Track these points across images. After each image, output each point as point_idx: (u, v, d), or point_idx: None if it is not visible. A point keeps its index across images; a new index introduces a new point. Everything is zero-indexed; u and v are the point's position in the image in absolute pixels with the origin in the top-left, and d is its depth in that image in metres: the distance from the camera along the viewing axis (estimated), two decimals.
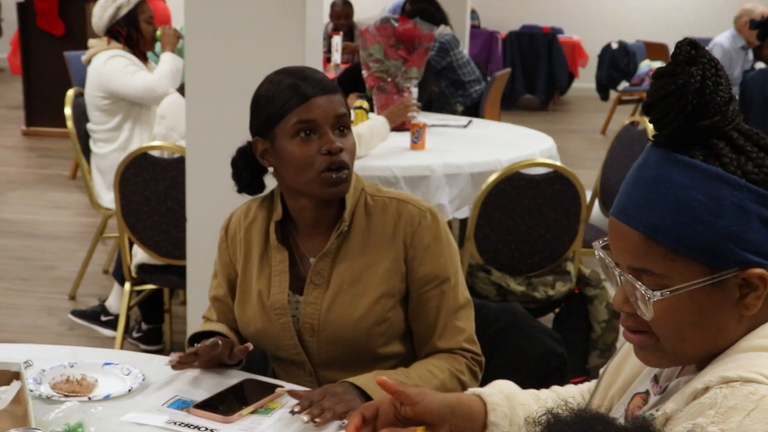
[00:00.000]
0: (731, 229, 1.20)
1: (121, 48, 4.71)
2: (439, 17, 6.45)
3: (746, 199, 1.20)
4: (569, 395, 1.67)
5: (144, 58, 4.82)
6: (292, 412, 1.80)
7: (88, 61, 4.77)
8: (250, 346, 2.03)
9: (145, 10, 4.75)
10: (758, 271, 1.21)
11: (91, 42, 4.82)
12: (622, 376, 1.49)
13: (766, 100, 4.83)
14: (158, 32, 4.81)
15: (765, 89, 4.84)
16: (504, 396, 1.59)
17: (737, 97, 5.18)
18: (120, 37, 4.71)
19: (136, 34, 4.73)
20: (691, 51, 1.22)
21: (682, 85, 1.20)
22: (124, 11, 4.68)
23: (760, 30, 5.15)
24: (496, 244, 3.62)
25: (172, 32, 4.84)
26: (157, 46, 4.99)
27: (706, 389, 1.20)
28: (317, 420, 1.77)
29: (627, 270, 1.28)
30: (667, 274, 1.23)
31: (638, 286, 1.26)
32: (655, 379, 1.41)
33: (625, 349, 1.52)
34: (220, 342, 2.00)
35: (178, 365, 1.98)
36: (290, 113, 2.01)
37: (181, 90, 3.92)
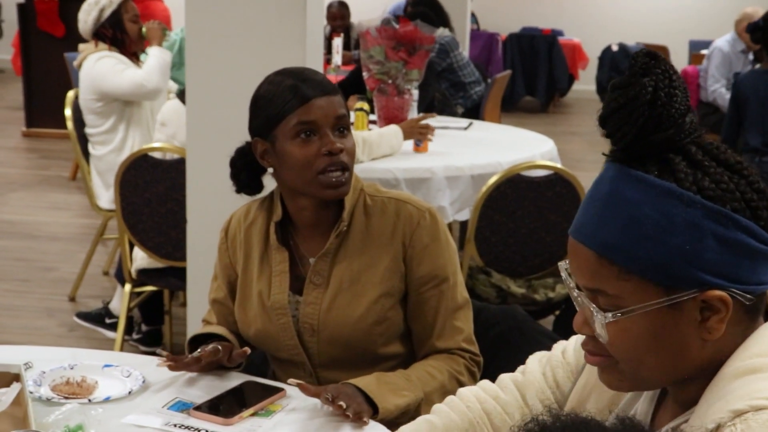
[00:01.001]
0: (684, 247, 1.14)
1: (108, 49, 4.71)
2: (437, 20, 6.46)
3: (700, 216, 1.14)
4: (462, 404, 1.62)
5: (133, 58, 4.80)
6: (326, 399, 1.81)
7: (80, 66, 4.77)
8: (248, 350, 2.03)
9: (129, 9, 4.73)
10: (718, 293, 1.15)
11: (81, 47, 4.81)
12: (589, 407, 1.41)
13: (761, 100, 4.83)
14: (143, 29, 4.80)
15: (759, 89, 4.84)
16: None
17: (730, 98, 5.17)
18: (106, 39, 4.71)
19: (121, 35, 4.71)
20: (649, 61, 1.17)
21: (633, 97, 1.16)
22: (107, 13, 4.67)
23: (756, 34, 5.12)
24: (496, 246, 3.62)
25: (157, 26, 4.82)
26: None
27: (718, 428, 1.12)
28: (348, 414, 1.78)
29: (584, 290, 1.24)
30: (620, 294, 1.18)
31: (591, 308, 1.21)
32: None
33: (588, 371, 1.45)
34: (220, 348, 2.00)
35: (175, 367, 1.97)
36: (290, 114, 2.02)
37: (182, 96, 3.92)
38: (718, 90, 7.26)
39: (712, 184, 1.16)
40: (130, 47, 4.78)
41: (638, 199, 1.17)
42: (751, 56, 7.30)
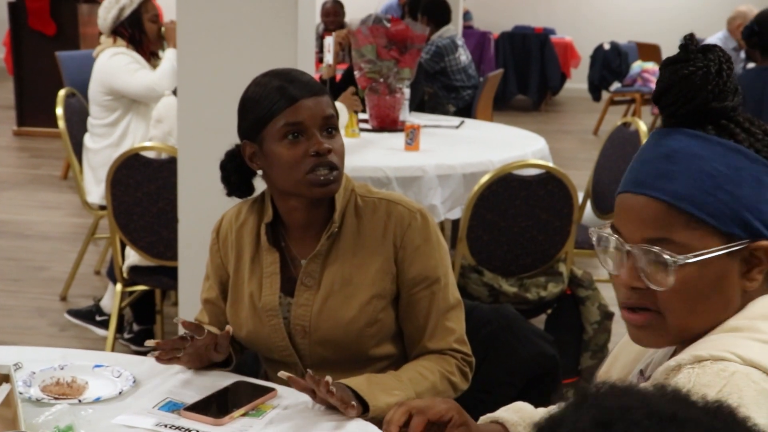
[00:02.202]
0: (750, 198, 1.26)
1: (125, 46, 4.71)
2: (440, 17, 6.50)
3: (762, 172, 1.27)
4: None
5: (151, 57, 4.80)
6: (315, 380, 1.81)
7: (96, 57, 4.79)
8: (230, 329, 2.03)
9: (149, 9, 4.74)
10: (765, 243, 1.27)
11: (101, 39, 4.84)
12: (618, 364, 1.51)
13: (757, 99, 4.80)
14: (162, 29, 4.80)
15: (755, 88, 4.82)
16: (518, 415, 1.65)
17: None
18: (125, 37, 4.71)
19: (139, 35, 4.72)
20: (704, 46, 1.30)
21: (702, 67, 1.28)
22: (127, 12, 4.68)
23: (752, 39, 5.07)
24: (488, 245, 3.62)
25: (175, 27, 4.81)
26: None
27: (679, 367, 1.23)
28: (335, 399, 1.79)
29: (643, 242, 1.29)
30: (687, 242, 1.27)
31: (665, 255, 1.27)
32: (641, 374, 1.43)
33: (608, 361, 1.53)
34: (205, 327, 1.99)
35: (164, 354, 1.96)
36: (278, 116, 2.01)
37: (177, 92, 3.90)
38: None
39: (764, 147, 1.29)
40: (148, 47, 4.79)
41: (707, 154, 1.27)
42: (742, 54, 7.31)
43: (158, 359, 1.97)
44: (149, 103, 4.74)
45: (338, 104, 4.12)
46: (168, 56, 4.71)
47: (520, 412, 1.67)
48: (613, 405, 0.86)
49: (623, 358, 1.51)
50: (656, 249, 1.28)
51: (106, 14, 4.70)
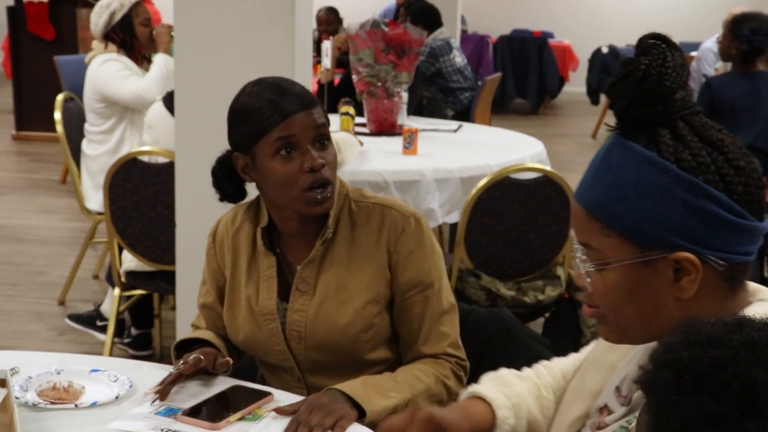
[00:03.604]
0: (655, 210, 1.25)
1: (116, 51, 4.71)
2: (432, 21, 6.49)
3: (672, 183, 1.25)
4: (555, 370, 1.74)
5: (143, 61, 4.80)
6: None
7: (88, 64, 4.78)
8: (231, 361, 2.02)
9: (140, 13, 4.73)
10: (686, 254, 1.25)
11: (93, 44, 4.84)
12: (583, 396, 1.51)
13: (748, 107, 4.75)
14: (154, 32, 4.80)
15: (746, 97, 4.76)
16: (503, 392, 1.69)
17: (706, 103, 5.06)
18: (116, 42, 4.71)
19: (131, 39, 4.72)
20: (651, 42, 1.28)
21: (627, 74, 1.27)
22: (118, 17, 4.67)
23: (753, 43, 5.04)
24: (486, 248, 3.62)
25: (165, 30, 4.80)
26: None
27: None
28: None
29: (579, 244, 1.35)
30: (602, 249, 1.30)
31: (579, 259, 1.34)
32: (618, 390, 1.43)
33: (580, 372, 1.54)
34: (202, 357, 1.99)
35: (164, 393, 1.94)
36: (270, 131, 1.99)
37: (165, 100, 3.90)
38: None
39: (690, 156, 1.26)
40: (140, 51, 4.78)
41: (622, 164, 1.29)
42: None
43: (161, 399, 1.92)
44: (141, 110, 4.73)
45: (345, 136, 3.97)
46: (158, 62, 4.70)
47: (504, 388, 1.70)
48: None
49: (593, 374, 1.52)
50: (579, 253, 1.34)
51: (97, 19, 4.70)
